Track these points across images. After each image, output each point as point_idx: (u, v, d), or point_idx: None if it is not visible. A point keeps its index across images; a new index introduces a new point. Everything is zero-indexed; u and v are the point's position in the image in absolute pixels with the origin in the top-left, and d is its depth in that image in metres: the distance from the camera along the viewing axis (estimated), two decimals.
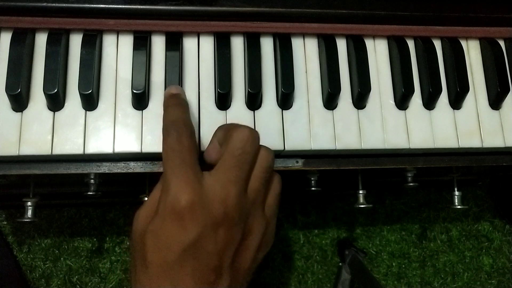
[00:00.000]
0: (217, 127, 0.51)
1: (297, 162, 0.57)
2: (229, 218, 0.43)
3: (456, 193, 0.70)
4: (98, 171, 0.54)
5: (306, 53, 0.58)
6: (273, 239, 0.49)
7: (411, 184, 0.67)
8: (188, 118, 0.48)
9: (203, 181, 0.44)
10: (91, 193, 0.61)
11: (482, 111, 0.59)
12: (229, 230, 0.43)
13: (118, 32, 0.56)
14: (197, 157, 0.45)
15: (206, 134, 0.53)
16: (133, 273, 0.45)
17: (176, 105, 0.49)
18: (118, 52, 0.55)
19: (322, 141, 0.55)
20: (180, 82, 0.54)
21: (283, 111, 0.56)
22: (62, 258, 0.88)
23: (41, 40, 0.54)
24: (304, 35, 0.58)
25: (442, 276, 0.97)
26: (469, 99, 0.59)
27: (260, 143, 0.54)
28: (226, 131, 0.47)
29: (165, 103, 0.50)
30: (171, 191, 0.42)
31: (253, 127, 0.54)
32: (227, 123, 0.54)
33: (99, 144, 0.52)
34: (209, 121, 0.54)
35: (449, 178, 0.74)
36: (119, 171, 0.54)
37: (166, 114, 0.48)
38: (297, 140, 0.55)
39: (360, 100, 0.56)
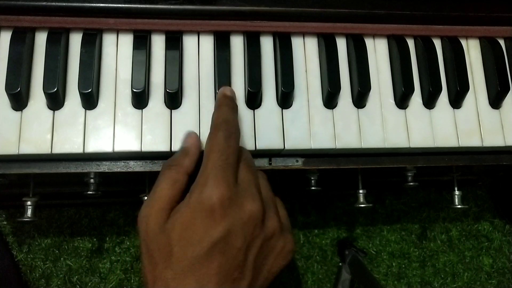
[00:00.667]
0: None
1: (297, 161, 0.57)
2: (258, 213, 0.44)
3: (456, 192, 0.70)
4: (98, 170, 0.54)
5: (306, 52, 0.58)
6: (293, 253, 0.50)
7: (411, 183, 0.67)
8: (238, 122, 0.50)
9: (236, 181, 0.45)
10: (91, 192, 0.60)
11: (482, 110, 0.59)
12: (257, 226, 0.45)
13: (118, 31, 0.56)
14: (238, 160, 0.47)
15: (206, 134, 0.53)
16: (151, 271, 0.44)
17: (230, 106, 0.50)
18: (118, 51, 0.55)
19: (322, 140, 0.55)
20: (180, 81, 0.54)
21: (283, 110, 0.56)
22: (62, 258, 0.88)
23: (41, 39, 0.54)
24: (304, 34, 0.58)
25: (442, 276, 0.97)
26: (469, 98, 0.59)
27: (260, 142, 0.54)
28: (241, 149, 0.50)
29: (219, 101, 0.51)
30: (208, 185, 0.43)
31: (253, 126, 0.55)
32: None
33: (99, 143, 0.52)
34: (209, 120, 0.53)
35: (449, 178, 0.74)
36: (119, 170, 0.54)
37: (219, 112, 0.50)
38: (297, 139, 0.55)
39: (360, 99, 0.56)
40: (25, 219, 0.61)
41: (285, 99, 0.55)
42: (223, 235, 0.42)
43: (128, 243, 0.88)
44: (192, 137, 0.52)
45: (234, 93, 0.54)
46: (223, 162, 0.45)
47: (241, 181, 0.46)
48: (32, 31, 0.54)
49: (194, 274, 0.42)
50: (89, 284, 0.87)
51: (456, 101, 0.59)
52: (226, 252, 0.43)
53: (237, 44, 0.57)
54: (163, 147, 0.53)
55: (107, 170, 0.54)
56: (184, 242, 0.43)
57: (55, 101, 0.52)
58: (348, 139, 0.56)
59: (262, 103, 0.56)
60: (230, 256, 0.43)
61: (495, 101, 0.59)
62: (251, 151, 0.54)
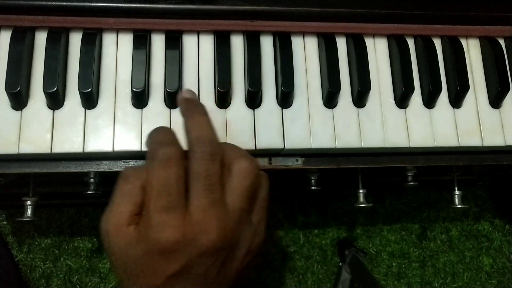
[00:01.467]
0: (216, 126, 0.49)
1: (297, 161, 0.57)
2: (212, 246, 0.42)
3: (457, 192, 0.70)
4: (97, 170, 0.54)
5: (306, 52, 0.58)
6: (262, 241, 0.48)
7: (411, 183, 0.67)
8: (177, 140, 0.45)
9: (186, 213, 0.42)
10: (91, 192, 0.60)
11: (482, 109, 0.59)
12: (214, 254, 0.43)
13: (118, 31, 0.56)
14: (184, 186, 0.43)
15: None
16: (122, 278, 0.44)
17: (201, 113, 0.46)
18: (118, 51, 0.55)
19: (322, 139, 0.55)
20: (180, 80, 0.54)
21: (283, 109, 0.56)
22: (62, 258, 0.87)
23: (40, 38, 0.54)
24: (304, 34, 0.58)
25: (442, 276, 0.97)
26: (469, 98, 0.59)
27: (260, 142, 0.54)
28: (186, 132, 0.45)
29: (187, 109, 0.47)
30: (154, 227, 0.41)
31: (252, 126, 0.54)
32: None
33: (98, 143, 0.52)
34: None
35: (449, 178, 0.74)
36: (119, 170, 0.54)
37: (151, 142, 0.45)
38: (297, 139, 0.55)
39: (360, 98, 0.56)
40: (25, 219, 0.61)
41: (285, 99, 0.55)
42: (177, 270, 0.42)
43: None
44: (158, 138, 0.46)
45: (194, 93, 0.51)
46: (164, 194, 0.41)
47: (192, 211, 0.42)
48: (32, 30, 0.54)
49: None
50: (89, 284, 0.87)
51: (456, 101, 0.59)
52: (186, 279, 0.42)
53: (237, 43, 0.57)
54: None
55: (107, 170, 0.54)
56: (141, 274, 0.42)
57: (55, 100, 0.52)
58: (348, 139, 0.56)
59: (262, 103, 0.56)
60: (191, 280, 0.42)
61: (495, 101, 0.59)
62: (251, 151, 0.54)
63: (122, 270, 0.43)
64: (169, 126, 0.53)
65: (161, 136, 0.45)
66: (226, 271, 0.45)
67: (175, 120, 0.54)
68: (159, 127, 0.47)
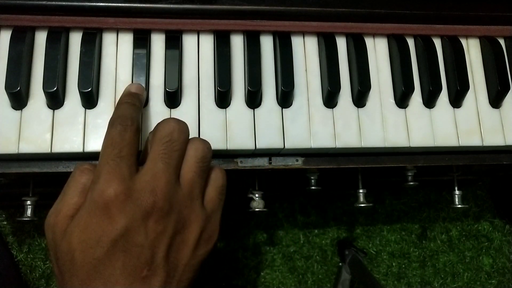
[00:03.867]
0: (214, 126, 0.52)
1: (297, 160, 0.57)
2: (158, 208, 0.42)
3: (457, 192, 0.70)
4: None
5: (306, 51, 0.58)
6: (216, 234, 0.47)
7: (411, 183, 0.67)
8: (137, 116, 0.47)
9: (135, 174, 0.43)
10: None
11: (482, 109, 0.59)
12: (160, 220, 0.42)
13: (118, 31, 0.56)
14: (135, 153, 0.44)
15: (206, 133, 0.53)
16: (60, 282, 0.42)
17: (129, 103, 0.48)
18: (117, 50, 0.55)
19: (322, 139, 0.55)
20: (180, 80, 0.54)
21: (283, 109, 0.55)
22: None
23: (40, 38, 0.54)
24: (304, 33, 0.58)
25: (442, 276, 0.97)
26: (469, 98, 0.59)
27: (260, 142, 0.54)
28: (155, 127, 0.47)
29: (120, 100, 0.49)
30: (100, 182, 0.41)
31: (252, 126, 0.54)
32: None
33: (98, 143, 0.52)
34: (209, 120, 0.54)
35: (449, 178, 0.74)
36: None
37: (115, 110, 0.47)
38: (297, 139, 0.55)
39: (360, 98, 0.56)
40: (25, 219, 0.61)
41: (285, 99, 0.55)
42: (122, 232, 0.40)
43: None
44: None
45: (142, 89, 0.52)
46: (115, 156, 0.42)
47: (143, 172, 0.43)
48: (32, 30, 0.54)
49: (99, 277, 0.40)
50: None
51: (456, 101, 0.59)
52: (128, 250, 0.40)
53: (237, 43, 0.57)
54: None
55: None
56: (84, 244, 0.41)
57: (55, 100, 0.52)
58: (348, 139, 0.56)
59: (262, 103, 0.55)
60: (134, 254, 0.41)
61: (495, 101, 0.59)
62: (251, 151, 0.55)
63: (62, 260, 0.42)
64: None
65: (125, 110, 0.47)
66: (176, 257, 0.43)
67: None
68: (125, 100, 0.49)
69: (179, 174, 0.45)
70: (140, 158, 0.47)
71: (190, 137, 0.47)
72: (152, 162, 0.44)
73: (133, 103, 0.48)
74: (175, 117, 0.53)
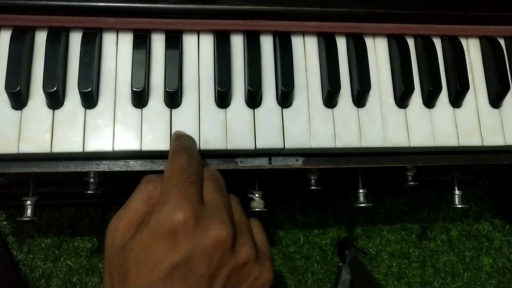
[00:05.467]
0: (214, 126, 0.53)
1: (297, 160, 0.57)
2: (225, 239, 0.41)
3: (457, 192, 0.70)
4: (97, 170, 0.54)
5: (306, 51, 0.58)
6: (271, 281, 0.45)
7: (411, 183, 0.67)
8: (198, 151, 0.48)
9: (202, 203, 0.43)
10: (90, 192, 0.60)
11: (482, 109, 0.59)
12: (225, 252, 0.41)
13: (118, 31, 0.55)
14: (202, 182, 0.45)
15: (206, 133, 0.53)
16: (109, 284, 0.42)
17: (189, 137, 0.50)
18: (118, 50, 0.55)
19: (322, 139, 0.55)
20: (180, 80, 0.54)
21: (283, 109, 0.55)
22: (62, 258, 0.88)
23: (40, 38, 0.54)
24: (304, 33, 0.58)
25: (442, 276, 0.97)
26: (469, 98, 0.59)
27: (260, 142, 0.54)
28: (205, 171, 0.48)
29: (176, 135, 0.51)
30: (169, 205, 0.40)
31: (253, 126, 0.54)
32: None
33: (98, 142, 0.52)
34: (209, 120, 0.54)
35: (449, 178, 0.74)
36: (118, 169, 0.54)
37: (176, 142, 0.48)
38: (297, 138, 0.55)
39: (360, 98, 0.56)
40: (25, 219, 0.61)
41: (285, 98, 0.55)
42: (184, 259, 0.39)
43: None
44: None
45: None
46: (184, 181, 0.42)
47: (208, 203, 0.43)
48: (32, 30, 0.54)
49: None
50: (89, 284, 0.87)
51: (456, 101, 0.58)
52: (187, 278, 0.39)
53: (237, 43, 0.57)
54: (163, 146, 0.52)
55: (107, 170, 0.54)
56: (141, 265, 0.40)
57: (55, 100, 0.51)
58: (348, 139, 0.56)
59: (262, 102, 0.55)
60: (192, 283, 0.40)
61: (495, 101, 0.59)
62: (251, 151, 0.55)
63: (116, 271, 0.41)
64: (169, 126, 0.53)
65: (189, 143, 0.49)
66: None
67: (175, 120, 0.54)
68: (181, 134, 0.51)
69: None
70: None
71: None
72: (212, 195, 0.44)
73: (193, 141, 0.50)
74: (175, 117, 0.53)
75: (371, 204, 0.67)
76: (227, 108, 0.55)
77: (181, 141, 0.48)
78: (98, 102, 0.53)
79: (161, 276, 0.39)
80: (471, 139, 0.58)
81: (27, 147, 0.51)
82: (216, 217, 0.41)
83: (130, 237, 0.42)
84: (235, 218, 0.45)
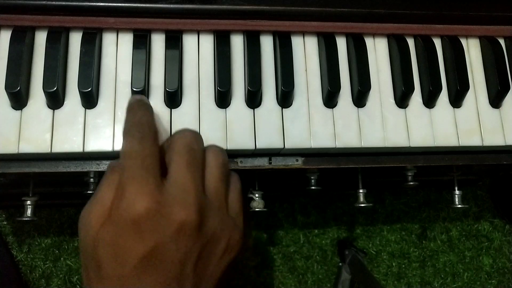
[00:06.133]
0: (214, 126, 0.52)
1: (297, 160, 0.57)
2: (190, 222, 0.40)
3: (457, 192, 0.70)
4: (97, 170, 0.54)
5: (306, 51, 0.58)
6: (240, 241, 0.45)
7: (411, 183, 0.67)
8: (153, 120, 0.45)
9: (162, 186, 0.41)
10: (91, 192, 0.60)
11: (482, 109, 0.59)
12: (191, 236, 0.40)
13: (118, 31, 0.55)
14: (158, 161, 0.42)
15: (206, 133, 0.53)
16: (86, 278, 0.41)
17: (141, 109, 0.46)
18: (117, 50, 0.55)
19: (322, 139, 0.55)
20: (180, 80, 0.54)
21: (283, 109, 0.55)
22: (62, 258, 0.88)
23: (40, 38, 0.54)
24: (304, 33, 0.58)
25: (442, 276, 0.97)
26: (469, 98, 0.59)
27: (260, 142, 0.54)
28: (170, 138, 0.46)
29: (129, 105, 0.47)
30: (127, 196, 0.39)
31: (253, 126, 0.54)
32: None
33: (98, 142, 0.52)
34: (209, 120, 0.54)
35: (449, 178, 0.74)
36: None
37: (129, 115, 0.45)
38: (297, 138, 0.55)
39: (360, 98, 0.56)
40: (25, 219, 0.61)
41: (285, 98, 0.55)
42: (151, 249, 0.39)
43: None
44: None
45: (146, 99, 0.50)
46: (139, 167, 0.40)
47: (172, 182, 0.41)
48: (32, 30, 0.54)
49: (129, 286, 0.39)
50: None
51: (456, 101, 0.59)
52: (158, 266, 0.39)
53: (237, 43, 0.57)
54: None
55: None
56: (111, 260, 0.39)
57: (55, 100, 0.52)
58: (348, 138, 0.56)
59: (262, 102, 0.55)
60: (163, 269, 0.39)
61: (495, 101, 0.59)
62: (251, 151, 0.55)
63: (90, 265, 0.41)
64: (169, 126, 0.53)
65: (139, 117, 0.45)
66: (203, 268, 0.42)
67: (176, 120, 0.54)
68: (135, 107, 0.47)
69: (204, 183, 0.44)
70: None
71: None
72: (178, 174, 0.42)
73: (145, 107, 0.46)
74: (175, 117, 0.53)
75: (371, 204, 0.67)
76: (227, 108, 0.55)
77: (131, 116, 0.45)
78: (98, 102, 0.53)
79: (132, 268, 0.39)
80: (471, 139, 0.58)
81: (27, 147, 0.51)
82: (178, 202, 0.40)
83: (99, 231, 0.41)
84: (209, 191, 0.43)
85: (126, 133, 0.43)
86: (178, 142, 0.44)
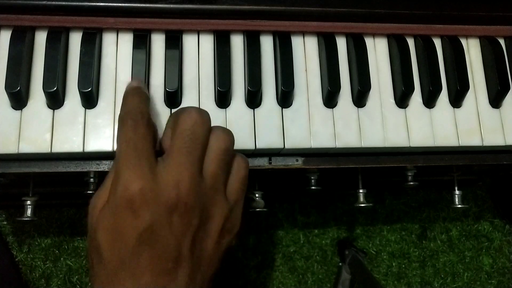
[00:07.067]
0: (217, 125, 0.51)
1: (297, 160, 0.57)
2: (183, 202, 0.41)
3: (457, 192, 0.70)
4: (97, 170, 0.54)
5: (306, 51, 0.58)
6: (238, 224, 0.47)
7: (411, 183, 0.67)
8: (146, 107, 0.47)
9: (156, 168, 0.42)
10: (91, 192, 0.60)
11: (482, 109, 0.59)
12: (185, 215, 0.42)
13: (117, 31, 0.55)
14: (153, 146, 0.44)
15: None
16: (91, 267, 0.43)
17: (135, 95, 0.48)
18: (117, 50, 0.55)
19: (322, 139, 0.55)
20: (180, 80, 0.54)
21: (283, 109, 0.55)
22: (62, 258, 0.88)
23: (40, 38, 0.54)
24: (304, 33, 0.58)
25: (442, 276, 0.97)
26: (469, 98, 0.59)
27: (260, 142, 0.54)
28: (175, 116, 0.46)
29: (124, 94, 0.49)
30: (121, 179, 0.41)
31: (252, 126, 0.54)
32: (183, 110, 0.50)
33: (98, 142, 0.52)
34: None
35: (449, 178, 0.74)
36: None
37: (123, 104, 0.47)
38: (297, 138, 0.55)
39: (360, 98, 0.56)
40: (25, 219, 0.61)
41: (285, 98, 0.55)
42: (146, 227, 0.40)
43: None
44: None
45: (142, 82, 0.52)
46: (132, 151, 0.42)
47: (165, 166, 0.43)
48: (32, 30, 0.54)
49: (126, 269, 0.40)
50: (89, 284, 0.87)
51: (456, 101, 0.58)
52: (154, 244, 0.41)
53: (237, 43, 0.57)
54: None
55: (107, 170, 0.54)
56: (110, 242, 0.41)
57: (55, 100, 0.51)
58: (348, 138, 0.56)
59: (262, 102, 0.55)
60: (159, 247, 0.41)
61: (495, 101, 0.59)
62: (251, 151, 0.55)
63: (92, 252, 0.43)
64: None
65: (132, 104, 0.47)
66: (201, 248, 0.43)
67: None
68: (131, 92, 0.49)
69: (202, 166, 0.44)
70: (158, 145, 0.47)
71: (212, 125, 0.47)
72: (174, 155, 0.43)
73: (138, 93, 0.48)
74: None
75: (371, 204, 0.67)
76: (227, 108, 0.55)
77: (125, 104, 0.47)
78: (98, 102, 0.53)
79: (130, 247, 0.40)
80: (471, 139, 0.58)
81: (27, 147, 0.51)
82: (171, 182, 0.41)
83: (98, 216, 0.43)
84: (206, 174, 0.44)
85: (120, 120, 0.45)
86: (181, 124, 0.44)
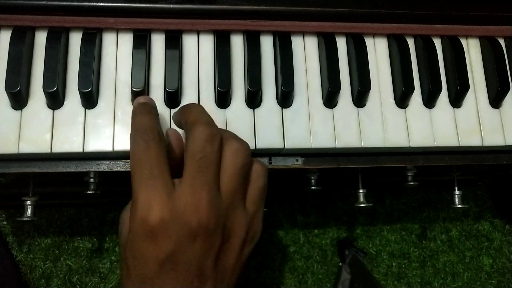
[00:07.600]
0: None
1: (297, 160, 0.57)
2: (204, 226, 0.41)
3: (457, 192, 0.70)
4: (97, 170, 0.54)
5: (306, 51, 0.58)
6: (259, 232, 0.47)
7: (411, 183, 0.67)
8: (156, 124, 0.46)
9: (173, 192, 0.42)
10: (90, 192, 0.60)
11: (482, 109, 0.59)
12: (207, 239, 0.41)
13: (117, 31, 0.55)
14: (166, 165, 0.43)
15: None
16: (120, 275, 0.45)
17: (144, 113, 0.47)
18: (117, 50, 0.55)
19: (322, 139, 0.55)
20: (180, 80, 0.54)
21: (283, 109, 0.55)
22: (62, 258, 0.87)
23: (40, 38, 0.54)
24: (304, 33, 0.58)
25: (442, 276, 0.97)
26: (469, 98, 0.59)
27: (260, 142, 0.54)
28: (184, 122, 0.47)
29: (133, 112, 0.49)
30: (139, 206, 0.41)
31: (252, 126, 0.54)
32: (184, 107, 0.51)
33: (98, 142, 0.52)
34: None
35: (449, 178, 0.74)
36: (118, 169, 0.54)
37: (132, 123, 0.47)
38: (297, 139, 0.55)
39: (360, 98, 0.56)
40: (25, 219, 0.61)
41: (285, 98, 0.55)
42: (169, 254, 0.41)
43: None
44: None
45: (150, 98, 0.51)
46: (147, 177, 0.41)
47: (182, 189, 0.42)
48: (32, 30, 0.54)
49: (151, 286, 0.41)
50: (89, 284, 0.87)
51: (456, 101, 0.59)
52: (177, 268, 0.41)
53: (237, 43, 0.57)
54: None
55: (107, 170, 0.54)
56: (133, 262, 0.42)
57: (55, 100, 0.51)
58: (348, 139, 0.56)
59: (262, 102, 0.55)
60: (183, 270, 0.41)
61: (495, 101, 0.59)
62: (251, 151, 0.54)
63: (125, 265, 0.43)
64: (168, 126, 0.53)
65: (142, 122, 0.46)
66: (223, 263, 0.44)
67: None
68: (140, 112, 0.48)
69: (218, 182, 0.44)
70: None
71: (223, 132, 0.46)
72: (189, 180, 0.42)
73: (148, 110, 0.47)
74: None
75: (371, 204, 0.67)
76: (227, 108, 0.55)
77: (134, 122, 0.47)
78: (98, 102, 0.53)
79: (153, 271, 0.41)
80: (471, 139, 0.58)
81: (27, 147, 0.51)
82: (190, 207, 0.41)
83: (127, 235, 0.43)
84: (224, 189, 0.44)
85: (131, 140, 0.45)
86: (193, 144, 0.43)
